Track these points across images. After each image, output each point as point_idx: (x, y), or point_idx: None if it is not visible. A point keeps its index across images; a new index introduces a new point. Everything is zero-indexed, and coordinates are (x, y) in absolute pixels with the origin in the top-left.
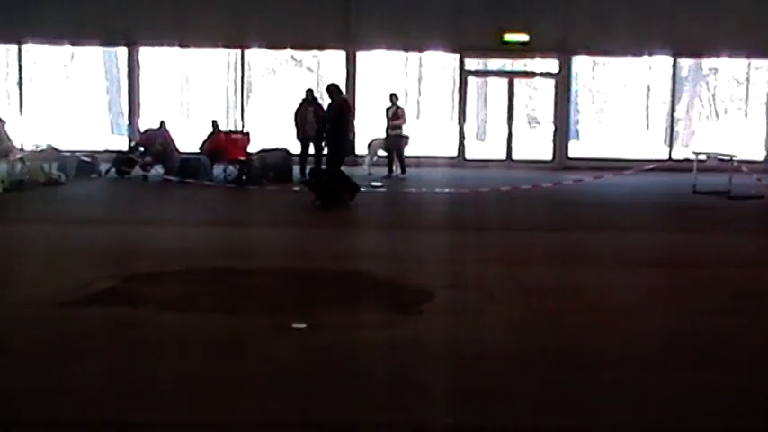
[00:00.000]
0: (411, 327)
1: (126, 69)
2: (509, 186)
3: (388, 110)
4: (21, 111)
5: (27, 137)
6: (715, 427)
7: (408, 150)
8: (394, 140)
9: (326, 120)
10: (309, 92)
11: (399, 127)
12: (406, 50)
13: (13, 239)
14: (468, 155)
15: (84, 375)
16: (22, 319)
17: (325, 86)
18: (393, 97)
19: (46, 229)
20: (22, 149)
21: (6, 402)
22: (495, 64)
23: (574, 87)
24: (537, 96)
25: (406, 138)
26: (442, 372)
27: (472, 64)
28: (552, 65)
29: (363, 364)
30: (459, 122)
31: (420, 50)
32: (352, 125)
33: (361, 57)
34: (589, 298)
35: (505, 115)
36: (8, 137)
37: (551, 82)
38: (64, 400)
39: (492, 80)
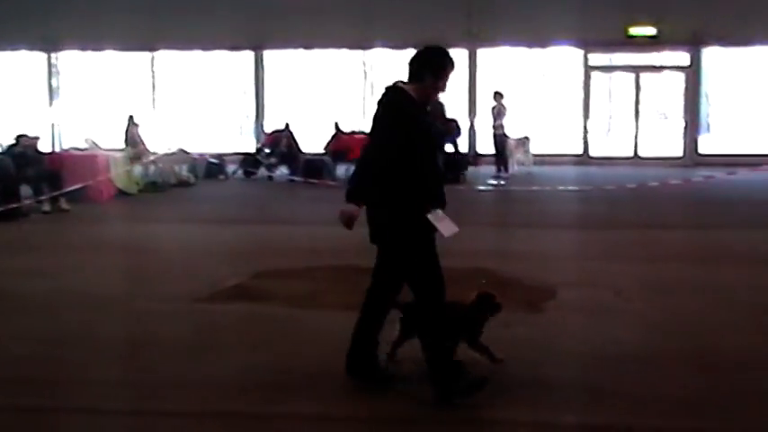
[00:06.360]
0: (533, 325)
1: (253, 73)
2: (636, 184)
3: (492, 108)
4: (153, 115)
5: (159, 140)
6: None
7: (533, 148)
8: (499, 139)
9: None
10: None
11: (502, 125)
12: (530, 46)
13: (148, 238)
14: (594, 152)
15: (216, 368)
16: (160, 314)
17: None
18: (497, 95)
19: (178, 229)
20: (154, 152)
21: (148, 392)
22: (620, 58)
23: (705, 80)
24: (665, 90)
25: (508, 136)
26: (566, 370)
27: (597, 59)
28: (682, 58)
29: (485, 362)
30: (584, 119)
31: (543, 46)
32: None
33: (483, 54)
34: (722, 297)
35: (632, 111)
36: (142, 140)
37: (681, 75)
38: (200, 391)
39: (617, 75)
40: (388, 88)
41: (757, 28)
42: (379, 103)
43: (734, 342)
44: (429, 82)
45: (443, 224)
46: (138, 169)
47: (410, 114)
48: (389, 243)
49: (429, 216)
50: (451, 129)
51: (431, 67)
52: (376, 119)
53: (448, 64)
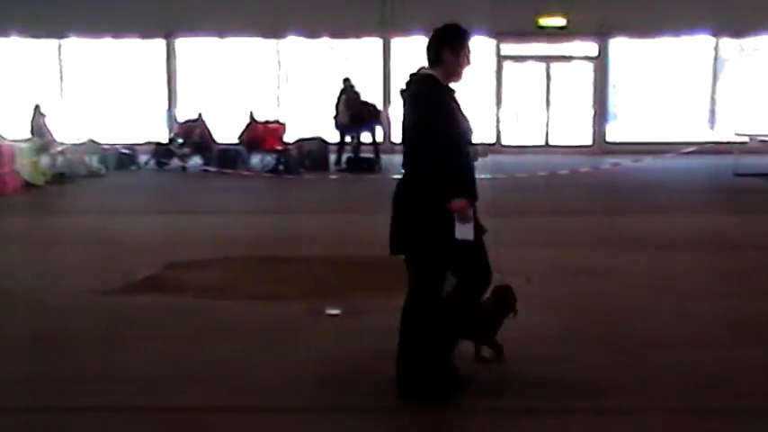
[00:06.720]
0: None
1: (165, 61)
2: (546, 172)
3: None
4: (61, 104)
5: (67, 130)
6: (760, 407)
7: None
8: None
9: None
10: (346, 80)
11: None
12: None
13: (57, 230)
14: (506, 140)
15: (127, 362)
16: (69, 308)
17: None
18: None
19: (87, 220)
20: (62, 143)
21: (57, 388)
22: (531, 49)
23: (612, 70)
24: (575, 80)
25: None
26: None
27: (509, 49)
28: (590, 48)
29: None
30: (496, 108)
31: None
32: None
33: (398, 43)
34: (630, 281)
35: (543, 100)
36: (49, 130)
37: (589, 66)
38: (110, 385)
39: (529, 65)
40: (412, 76)
41: (661, 19)
42: (402, 92)
43: (639, 324)
44: (450, 60)
45: (462, 226)
46: (45, 160)
47: (442, 101)
48: (413, 241)
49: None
50: (370, 115)
51: (448, 45)
52: (408, 111)
53: (464, 37)
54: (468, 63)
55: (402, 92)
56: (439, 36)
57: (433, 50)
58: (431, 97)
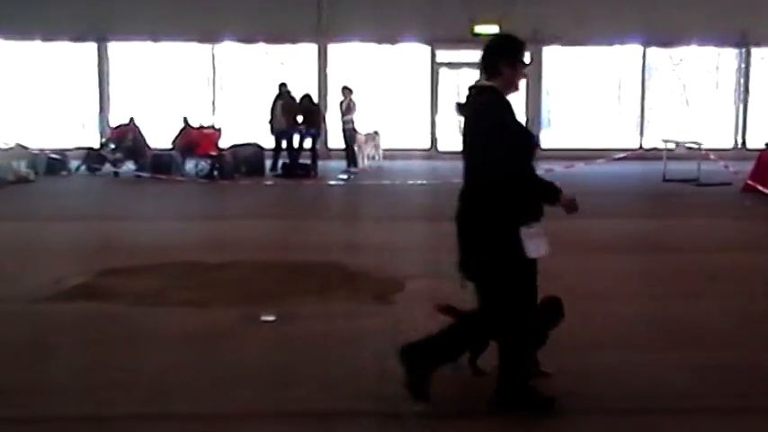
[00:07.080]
0: (382, 316)
1: (96, 65)
2: None
3: (341, 103)
4: None
5: None
6: (692, 405)
7: (383, 142)
8: (348, 134)
9: None
10: (282, 86)
11: (352, 120)
12: (379, 42)
13: None
14: (442, 146)
15: (57, 371)
16: None
17: None
18: (345, 90)
19: (16, 227)
20: None
21: None
22: (467, 55)
23: (546, 77)
24: None
25: (357, 131)
26: None
27: (444, 56)
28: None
29: (333, 355)
30: (432, 114)
31: (393, 42)
32: None
33: (334, 49)
34: (564, 284)
35: None
36: None
37: None
38: (38, 395)
39: (464, 71)
40: (471, 89)
41: (593, 29)
42: (462, 106)
43: (571, 326)
44: (507, 72)
45: (534, 242)
46: None
47: (510, 109)
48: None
49: (521, 230)
50: (313, 116)
51: (504, 57)
52: (478, 121)
53: (521, 49)
54: (525, 75)
55: (462, 106)
56: (495, 48)
57: (489, 62)
58: (501, 105)
